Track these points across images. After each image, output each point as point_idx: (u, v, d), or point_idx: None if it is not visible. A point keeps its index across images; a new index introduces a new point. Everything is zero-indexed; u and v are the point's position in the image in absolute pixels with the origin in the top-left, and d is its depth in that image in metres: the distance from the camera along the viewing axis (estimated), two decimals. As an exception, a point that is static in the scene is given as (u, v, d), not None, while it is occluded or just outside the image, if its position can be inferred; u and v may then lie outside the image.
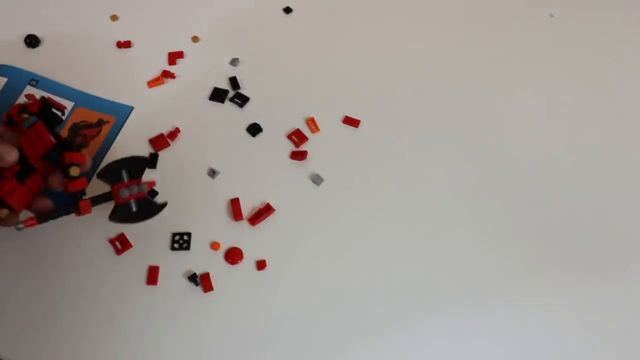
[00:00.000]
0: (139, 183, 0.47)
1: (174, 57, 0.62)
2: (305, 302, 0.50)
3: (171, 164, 0.55)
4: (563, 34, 0.68)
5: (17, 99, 0.57)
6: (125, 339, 0.47)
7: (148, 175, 0.52)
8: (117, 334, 0.47)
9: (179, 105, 0.59)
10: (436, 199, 0.55)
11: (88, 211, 0.45)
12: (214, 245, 0.51)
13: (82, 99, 0.58)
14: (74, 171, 0.45)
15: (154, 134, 0.56)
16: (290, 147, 0.57)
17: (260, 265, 0.51)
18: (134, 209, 0.47)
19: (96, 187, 0.47)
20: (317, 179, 0.55)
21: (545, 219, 0.55)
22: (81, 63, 0.60)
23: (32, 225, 0.43)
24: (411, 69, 0.63)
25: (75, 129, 0.56)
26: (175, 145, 0.56)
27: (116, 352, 0.46)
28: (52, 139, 0.45)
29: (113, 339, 0.47)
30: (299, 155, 0.56)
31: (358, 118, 0.59)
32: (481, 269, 0.52)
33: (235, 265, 0.51)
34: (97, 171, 0.47)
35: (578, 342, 0.50)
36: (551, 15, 0.69)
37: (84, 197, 0.45)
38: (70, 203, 0.45)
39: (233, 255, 0.51)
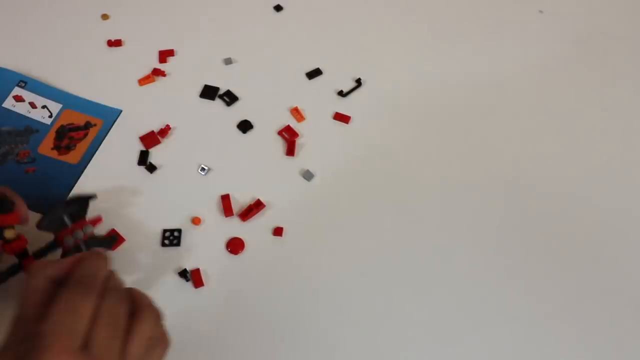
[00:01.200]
0: (83, 225, 0.45)
1: (165, 55, 0.62)
2: (295, 299, 0.50)
3: (162, 161, 0.55)
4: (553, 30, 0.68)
5: (4, 100, 0.57)
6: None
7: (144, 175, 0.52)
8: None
9: (169, 103, 0.59)
10: (428, 193, 0.55)
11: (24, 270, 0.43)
12: (195, 220, 0.52)
13: (70, 101, 0.58)
14: (9, 234, 0.42)
15: (144, 131, 0.57)
16: (281, 144, 0.57)
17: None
18: (84, 251, 0.43)
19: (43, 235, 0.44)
20: (307, 175, 0.55)
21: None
22: (72, 62, 0.61)
23: None
24: (403, 66, 0.63)
25: (62, 131, 0.56)
26: (166, 142, 0.56)
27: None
28: None
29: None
30: (291, 151, 0.56)
31: (348, 114, 0.59)
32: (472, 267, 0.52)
33: (236, 255, 0.51)
34: (37, 222, 0.44)
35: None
36: (540, 12, 0.69)
37: (29, 253, 0.43)
38: (13, 264, 0.43)
39: (235, 245, 0.51)
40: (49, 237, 0.45)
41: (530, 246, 0.53)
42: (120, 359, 0.33)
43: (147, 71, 0.61)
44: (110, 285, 0.36)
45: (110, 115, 0.57)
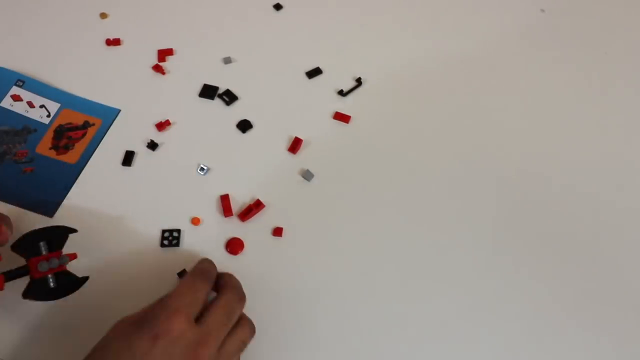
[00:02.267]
0: (59, 255, 0.44)
1: (164, 54, 0.61)
2: (295, 299, 0.49)
3: (161, 160, 0.55)
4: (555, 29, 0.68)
5: (2, 99, 0.56)
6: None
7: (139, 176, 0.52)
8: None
9: (168, 102, 0.58)
10: (430, 193, 0.55)
11: (1, 287, 0.42)
12: (194, 220, 0.52)
13: (69, 100, 0.57)
14: None
15: (144, 130, 0.56)
16: (282, 143, 0.57)
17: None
18: (52, 284, 0.43)
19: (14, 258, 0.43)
20: (307, 175, 0.55)
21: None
22: (70, 61, 0.60)
23: None
24: (401, 64, 0.63)
25: (60, 131, 0.56)
26: (165, 141, 0.56)
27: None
28: None
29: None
30: (294, 148, 0.56)
31: (348, 114, 0.59)
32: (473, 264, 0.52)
33: (235, 256, 0.51)
34: (12, 243, 0.43)
35: None
36: (542, 11, 0.69)
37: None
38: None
39: (234, 246, 0.51)
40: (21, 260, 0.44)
41: (532, 241, 0.53)
42: (220, 345, 0.41)
43: (147, 70, 0.60)
44: (232, 283, 0.46)
45: (109, 115, 0.57)
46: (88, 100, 0.58)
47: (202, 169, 0.55)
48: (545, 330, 0.49)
